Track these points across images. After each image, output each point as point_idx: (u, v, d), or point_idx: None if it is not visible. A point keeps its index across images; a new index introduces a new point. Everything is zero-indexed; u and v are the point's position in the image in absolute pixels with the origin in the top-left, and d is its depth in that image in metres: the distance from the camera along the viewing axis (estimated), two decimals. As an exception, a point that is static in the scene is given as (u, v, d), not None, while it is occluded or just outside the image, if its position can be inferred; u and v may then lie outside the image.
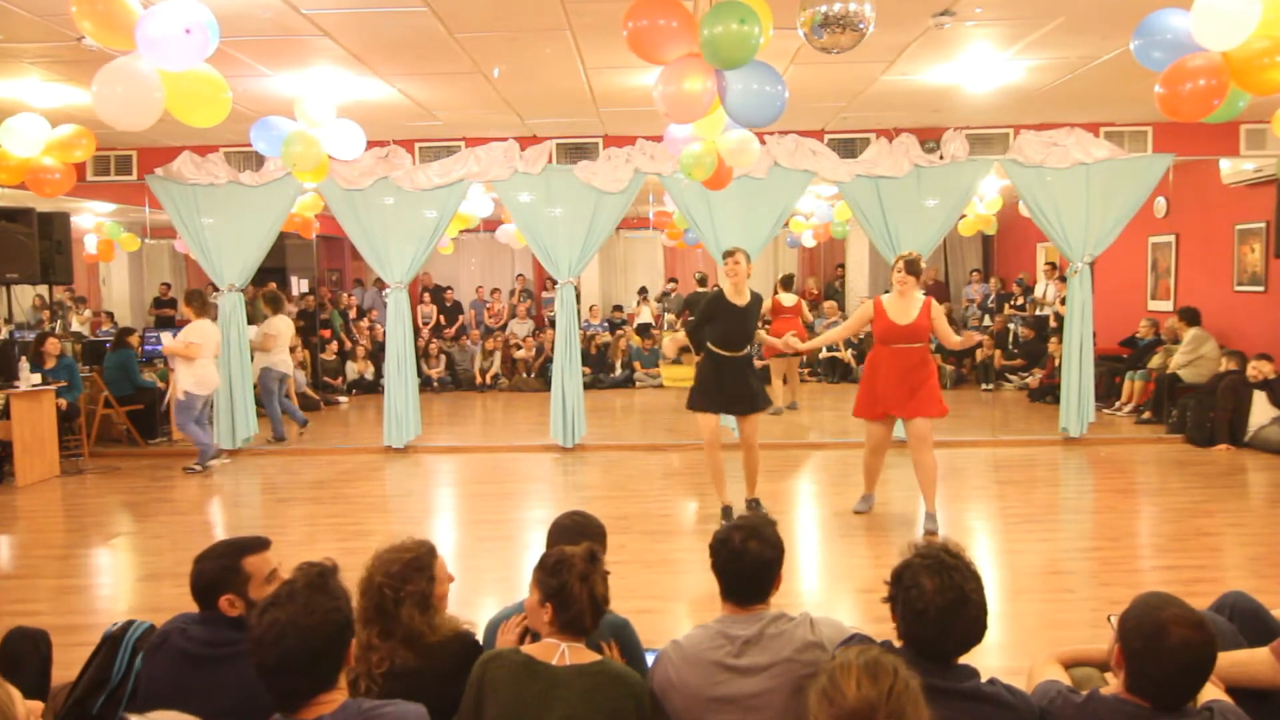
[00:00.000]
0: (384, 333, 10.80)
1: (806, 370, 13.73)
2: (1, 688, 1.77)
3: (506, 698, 2.20)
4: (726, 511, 6.04)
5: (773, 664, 2.34)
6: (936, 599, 2.08)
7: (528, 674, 2.21)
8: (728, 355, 5.85)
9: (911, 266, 5.68)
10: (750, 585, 2.46)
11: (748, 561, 2.44)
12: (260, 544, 2.55)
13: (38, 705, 1.85)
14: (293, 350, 12.29)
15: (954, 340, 5.74)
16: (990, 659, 3.61)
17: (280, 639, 1.88)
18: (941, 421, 8.76)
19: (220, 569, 2.46)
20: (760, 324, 6.16)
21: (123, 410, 9.05)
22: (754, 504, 6.17)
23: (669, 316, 14.87)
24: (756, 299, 5.92)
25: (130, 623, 2.72)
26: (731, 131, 5.48)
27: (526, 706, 2.18)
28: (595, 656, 2.29)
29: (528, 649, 2.28)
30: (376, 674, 2.37)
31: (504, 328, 15.01)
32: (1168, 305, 10.78)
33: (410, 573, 2.46)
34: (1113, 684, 2.24)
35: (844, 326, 6.48)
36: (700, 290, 10.78)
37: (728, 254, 5.88)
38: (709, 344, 5.90)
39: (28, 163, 5.82)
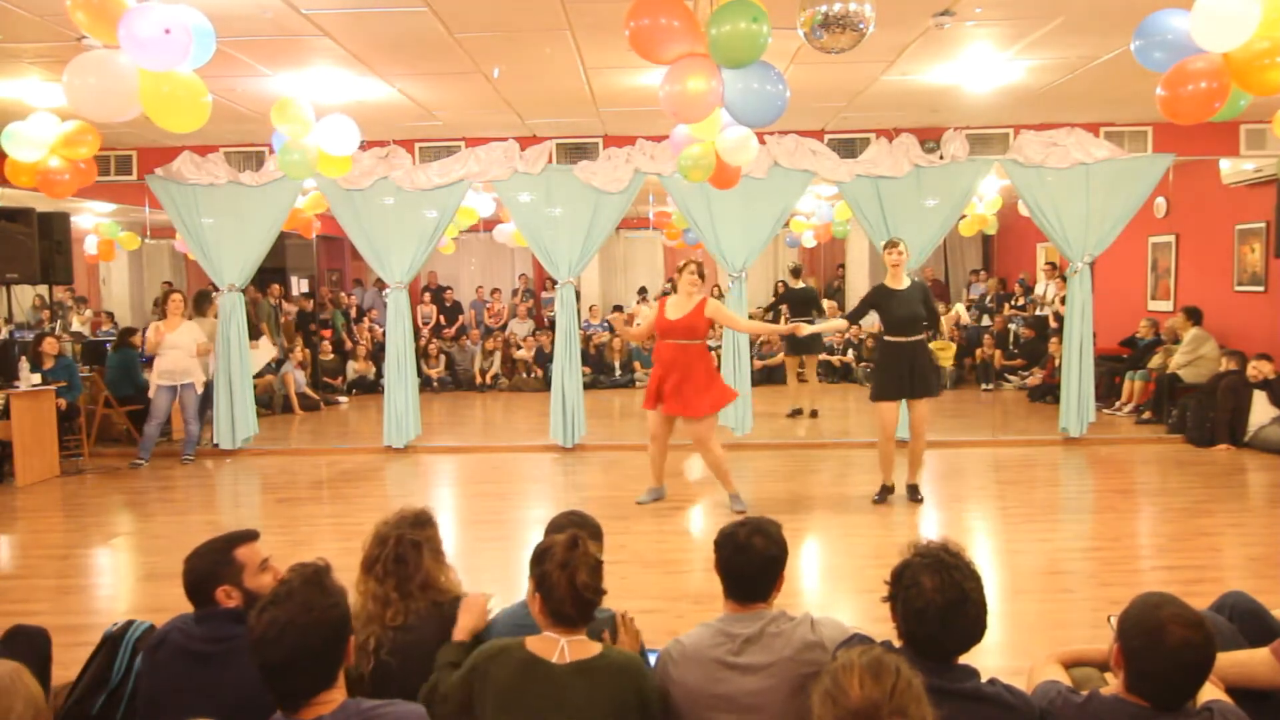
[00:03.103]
0: (383, 333, 10.80)
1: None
2: (19, 678, 1.79)
3: (508, 699, 2.20)
4: (885, 491, 6.49)
5: (773, 663, 2.35)
6: (936, 598, 2.08)
7: (528, 674, 2.21)
8: (896, 341, 6.25)
9: (700, 269, 6.16)
10: (753, 582, 2.46)
11: (752, 556, 2.44)
12: (249, 535, 2.57)
13: None
14: (291, 350, 12.33)
15: (742, 325, 6.74)
16: (990, 659, 3.61)
17: (281, 637, 1.89)
18: (942, 421, 8.81)
19: (213, 562, 2.48)
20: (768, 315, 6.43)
21: (123, 410, 9.05)
22: (914, 490, 6.51)
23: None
24: (918, 284, 6.31)
25: (130, 623, 2.72)
26: (729, 130, 5.48)
27: (529, 709, 2.18)
28: (596, 649, 2.28)
29: (530, 644, 2.27)
30: (390, 627, 2.50)
31: (504, 328, 15.01)
32: (1168, 305, 10.78)
33: (423, 524, 2.68)
34: (1113, 684, 2.24)
35: (642, 328, 6.68)
36: (796, 286, 10.79)
37: (887, 245, 6.35)
38: (882, 334, 6.46)
39: (36, 166, 5.85)
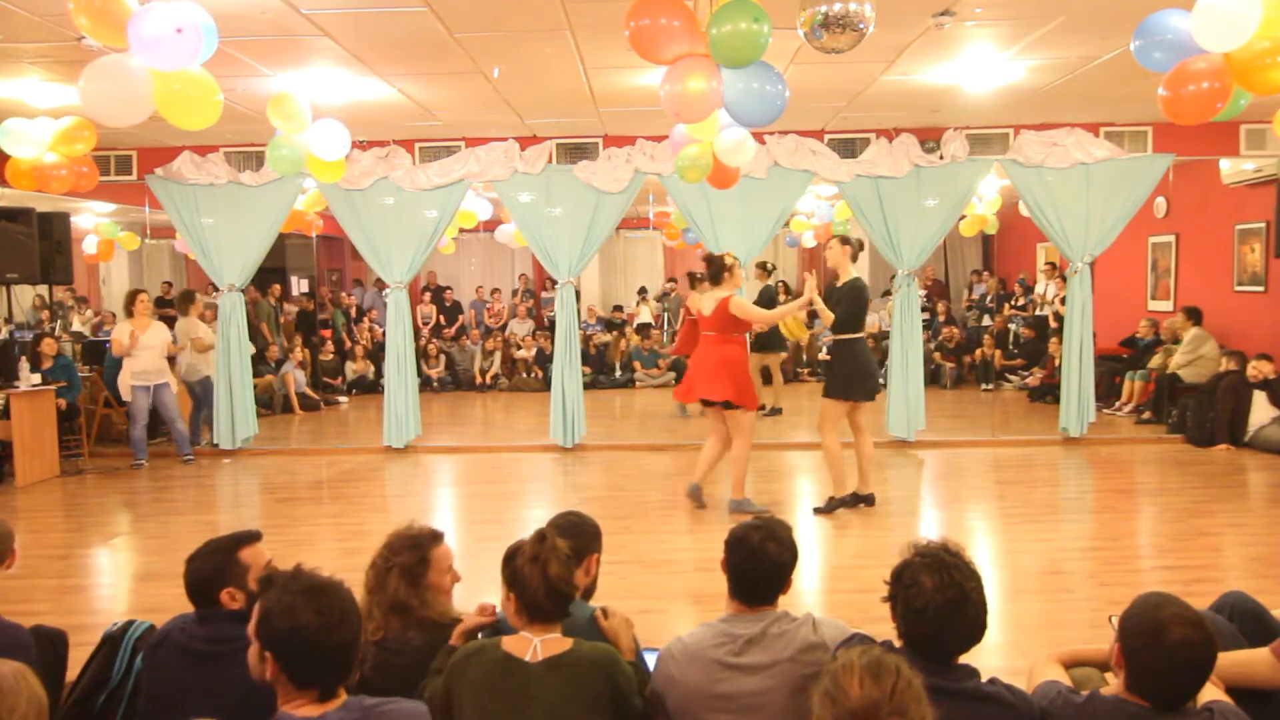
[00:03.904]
0: (383, 333, 10.80)
1: (806, 370, 13.73)
2: (23, 678, 1.79)
3: (483, 698, 2.21)
4: (855, 498, 6.25)
5: (774, 663, 2.34)
6: (936, 597, 2.08)
7: (502, 673, 2.23)
8: (836, 337, 6.20)
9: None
10: (762, 586, 2.46)
11: (765, 562, 2.44)
12: (253, 536, 2.56)
13: None
14: (291, 350, 12.33)
15: (760, 315, 6.39)
16: (990, 659, 3.61)
17: (342, 619, 1.92)
18: (942, 421, 8.80)
19: (218, 563, 2.47)
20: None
21: (123, 410, 9.04)
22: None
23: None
24: (849, 282, 6.03)
25: (130, 623, 2.72)
26: (727, 131, 5.48)
27: (503, 707, 2.19)
28: (567, 644, 2.28)
29: (505, 644, 2.28)
30: (369, 642, 2.48)
31: (504, 328, 15.02)
32: (1168, 305, 10.78)
33: (404, 548, 2.61)
34: (1113, 684, 2.24)
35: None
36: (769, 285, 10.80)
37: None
38: None
39: (34, 162, 5.85)
